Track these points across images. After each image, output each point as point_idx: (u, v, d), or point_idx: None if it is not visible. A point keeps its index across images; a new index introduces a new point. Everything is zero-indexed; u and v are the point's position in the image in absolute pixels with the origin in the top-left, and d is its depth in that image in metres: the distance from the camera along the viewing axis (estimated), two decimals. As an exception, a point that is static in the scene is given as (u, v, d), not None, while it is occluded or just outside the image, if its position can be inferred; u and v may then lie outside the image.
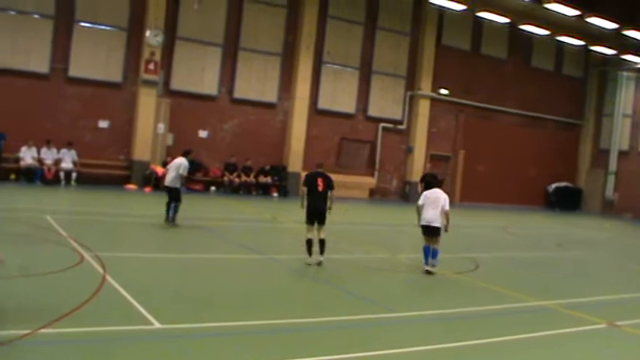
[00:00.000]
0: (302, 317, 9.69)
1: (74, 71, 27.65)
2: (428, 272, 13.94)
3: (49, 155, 26.84)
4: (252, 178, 30.60)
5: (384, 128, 35.41)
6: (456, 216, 32.55)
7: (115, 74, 28.43)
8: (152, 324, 8.39)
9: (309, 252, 13.25)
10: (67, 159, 27.07)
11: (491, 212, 35.24)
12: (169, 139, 29.20)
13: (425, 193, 14.49)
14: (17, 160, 26.33)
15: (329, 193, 13.75)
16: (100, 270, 11.06)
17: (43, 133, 26.68)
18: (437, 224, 13.99)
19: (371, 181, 35.02)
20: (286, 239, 18.83)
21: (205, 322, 8.93)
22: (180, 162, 17.93)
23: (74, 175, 27.02)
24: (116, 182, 27.55)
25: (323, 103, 33.44)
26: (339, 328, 9.25)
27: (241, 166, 30.56)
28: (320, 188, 13.51)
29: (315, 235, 13.69)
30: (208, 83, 30.44)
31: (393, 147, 35.85)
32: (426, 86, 36.13)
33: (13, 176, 26.19)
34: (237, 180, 30.29)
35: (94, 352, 7.30)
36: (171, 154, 28.65)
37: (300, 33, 32.13)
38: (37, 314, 8.14)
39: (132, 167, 28.23)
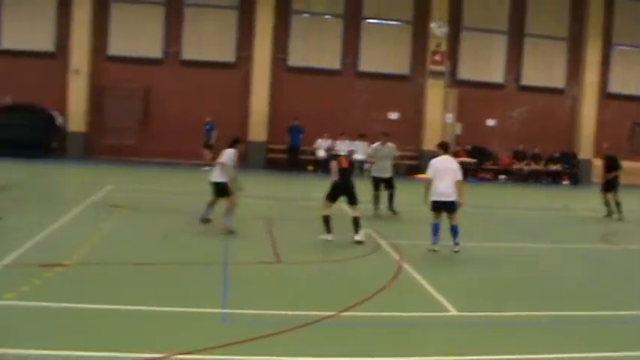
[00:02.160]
0: (600, 310, 8.33)
1: (364, 66, 27.03)
2: (434, 251, 11.19)
3: (342, 147, 25.83)
4: (541, 166, 27.57)
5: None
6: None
7: (402, 67, 27.26)
8: (449, 311, 7.88)
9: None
10: (360, 150, 25.94)
11: None
12: (458, 129, 27.17)
13: (433, 162, 11.35)
14: (313, 152, 25.98)
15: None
16: (396, 257, 10.72)
17: (337, 125, 26.07)
18: (452, 198, 11.08)
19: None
20: (579, 228, 16.03)
21: (502, 311, 8.15)
22: (227, 154, 13.00)
23: (366, 165, 25.80)
24: (406, 172, 25.80)
25: (613, 88, 29.37)
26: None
27: (530, 154, 27.69)
28: None
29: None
30: (495, 71, 28.09)
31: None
32: None
33: (310, 167, 25.79)
34: (526, 168, 27.42)
35: (392, 336, 7.02)
36: (460, 143, 26.75)
37: (587, 17, 28.49)
38: (341, 297, 8.09)
39: (421, 157, 26.39)
